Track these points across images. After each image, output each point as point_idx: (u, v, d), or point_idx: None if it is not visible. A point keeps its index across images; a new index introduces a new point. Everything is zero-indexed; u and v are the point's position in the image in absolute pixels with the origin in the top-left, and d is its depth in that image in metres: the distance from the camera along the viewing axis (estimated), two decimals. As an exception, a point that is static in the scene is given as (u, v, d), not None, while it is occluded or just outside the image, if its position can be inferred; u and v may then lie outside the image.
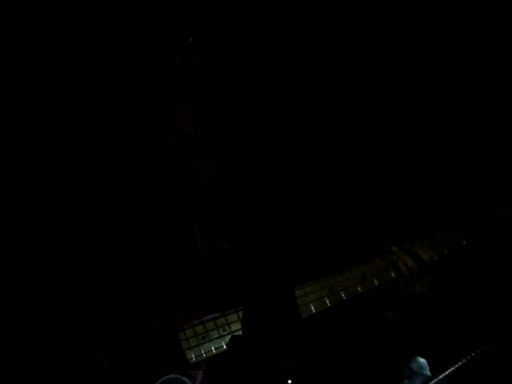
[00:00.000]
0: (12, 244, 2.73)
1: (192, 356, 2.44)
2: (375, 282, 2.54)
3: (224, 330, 2.45)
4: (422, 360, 2.57)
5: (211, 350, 2.44)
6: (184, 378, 2.42)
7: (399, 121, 3.35)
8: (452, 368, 2.28)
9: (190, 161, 2.67)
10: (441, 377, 2.27)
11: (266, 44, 3.26)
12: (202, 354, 2.44)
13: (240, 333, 2.43)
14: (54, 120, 3.06)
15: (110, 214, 2.58)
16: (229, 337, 2.44)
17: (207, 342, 2.45)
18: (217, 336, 2.45)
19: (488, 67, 3.35)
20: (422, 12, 3.38)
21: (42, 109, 3.08)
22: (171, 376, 2.42)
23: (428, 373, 2.53)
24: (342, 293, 2.51)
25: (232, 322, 2.46)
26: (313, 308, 2.49)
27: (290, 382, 2.46)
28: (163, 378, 2.41)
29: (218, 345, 2.44)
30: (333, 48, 3.37)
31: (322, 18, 3.36)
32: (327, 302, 2.50)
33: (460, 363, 2.27)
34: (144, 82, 2.68)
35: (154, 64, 2.64)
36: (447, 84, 3.37)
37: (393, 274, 2.55)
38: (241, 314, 2.46)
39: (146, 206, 2.59)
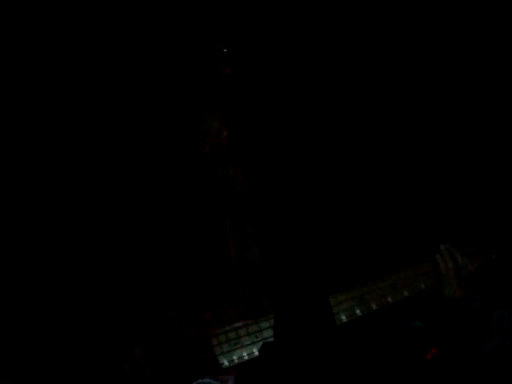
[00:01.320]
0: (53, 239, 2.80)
1: (224, 361, 2.49)
2: (405, 292, 2.57)
3: (256, 337, 2.50)
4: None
5: (243, 356, 2.49)
6: (216, 383, 2.46)
7: (443, 134, 3.37)
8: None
9: (222, 171, 2.72)
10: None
11: (298, 56, 3.30)
12: (233, 360, 2.49)
13: (272, 339, 2.47)
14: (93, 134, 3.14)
15: (153, 221, 2.64)
16: (261, 343, 2.48)
17: (239, 347, 2.49)
18: (249, 342, 2.50)
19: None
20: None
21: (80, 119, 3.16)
22: (204, 380, 2.46)
23: None
24: (372, 303, 2.55)
25: (264, 329, 2.50)
26: (344, 317, 2.53)
27: None
28: (196, 382, 2.46)
29: (250, 351, 2.49)
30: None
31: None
32: (357, 311, 2.54)
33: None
34: (180, 93, 2.73)
35: (189, 75, 2.68)
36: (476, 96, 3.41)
37: (422, 286, 2.58)
38: (273, 321, 2.50)
39: (182, 214, 2.65)
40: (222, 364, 2.48)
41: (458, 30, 3.38)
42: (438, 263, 2.57)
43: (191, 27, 2.72)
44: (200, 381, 2.47)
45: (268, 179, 2.73)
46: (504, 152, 3.36)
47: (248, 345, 2.49)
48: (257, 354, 2.48)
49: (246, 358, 2.48)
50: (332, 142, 3.18)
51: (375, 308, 2.55)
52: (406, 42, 3.40)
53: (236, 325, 2.51)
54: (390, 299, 2.56)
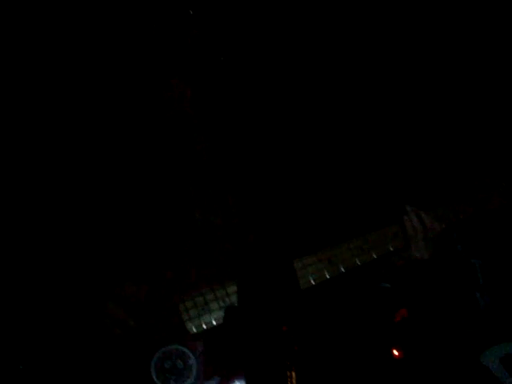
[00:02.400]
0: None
1: (192, 327, 2.45)
2: (373, 254, 2.57)
3: (224, 302, 2.47)
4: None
5: (211, 322, 2.46)
6: (184, 349, 2.44)
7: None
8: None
9: (186, 136, 2.67)
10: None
11: (264, 19, 3.24)
12: (201, 325, 2.46)
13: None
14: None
15: (120, 184, 2.58)
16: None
17: (207, 313, 2.46)
18: (217, 307, 2.47)
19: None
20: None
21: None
22: (171, 347, 2.44)
23: None
24: (340, 265, 2.54)
25: (231, 294, 2.47)
26: (312, 280, 2.51)
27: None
28: (163, 349, 2.43)
29: (218, 316, 2.46)
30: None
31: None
32: (326, 274, 2.52)
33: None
34: (144, 58, 2.66)
35: (154, 37, 2.62)
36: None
37: (391, 248, 2.58)
38: (239, 285, 2.47)
39: (146, 180, 2.59)
40: (190, 330, 2.45)
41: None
42: (406, 225, 2.57)
43: None
44: (168, 347, 2.44)
45: (233, 143, 2.69)
46: (471, 114, 3.36)
47: (216, 310, 2.46)
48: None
49: (214, 323, 2.46)
50: (300, 104, 3.14)
51: (343, 270, 2.53)
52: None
53: (203, 290, 2.48)
54: (358, 261, 2.55)
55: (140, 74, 2.69)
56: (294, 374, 2.41)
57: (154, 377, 2.42)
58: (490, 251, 3.12)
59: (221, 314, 2.46)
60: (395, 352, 3.11)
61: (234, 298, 2.46)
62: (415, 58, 3.41)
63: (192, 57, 2.62)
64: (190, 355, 2.44)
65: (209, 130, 2.68)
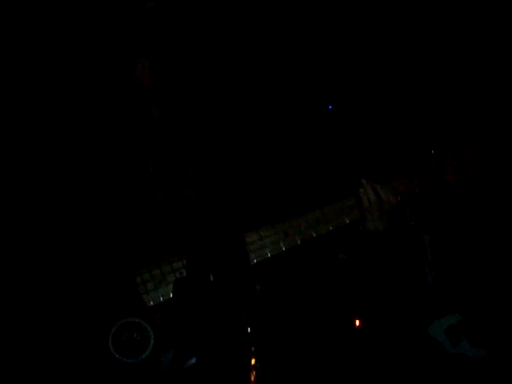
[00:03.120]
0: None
1: (149, 299, 2.46)
2: (329, 226, 2.59)
3: (181, 274, 2.48)
4: None
5: (168, 294, 2.46)
6: (142, 322, 2.45)
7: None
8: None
9: (145, 108, 2.66)
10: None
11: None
12: (159, 298, 2.47)
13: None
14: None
15: (77, 159, 2.57)
16: (185, 280, 2.47)
17: (164, 285, 2.47)
18: (174, 279, 2.47)
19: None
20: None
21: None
22: (129, 320, 2.44)
23: None
24: (296, 237, 2.56)
25: (189, 266, 2.48)
26: (268, 252, 2.53)
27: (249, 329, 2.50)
28: (121, 322, 2.44)
29: (175, 288, 2.47)
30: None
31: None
32: (282, 246, 2.54)
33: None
34: (103, 33, 2.65)
35: (111, 10, 2.60)
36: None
37: (347, 220, 2.61)
38: (197, 257, 2.48)
39: (103, 152, 2.59)
40: (148, 303, 2.46)
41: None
42: (361, 197, 2.59)
43: None
44: (125, 320, 2.44)
45: (189, 116, 2.69)
46: (424, 89, 3.40)
47: (173, 282, 2.46)
48: (182, 291, 2.47)
49: (171, 295, 2.46)
50: (248, 76, 3.15)
51: (299, 242, 2.56)
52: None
53: (160, 262, 2.48)
54: (314, 233, 2.58)
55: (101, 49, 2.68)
56: (253, 349, 2.44)
57: (112, 349, 2.42)
58: (440, 227, 3.17)
59: (178, 286, 2.47)
60: (357, 322, 3.16)
61: (190, 270, 2.48)
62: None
63: (149, 29, 2.60)
64: (148, 328, 2.45)
65: (166, 100, 2.67)
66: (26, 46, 2.92)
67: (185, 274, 2.47)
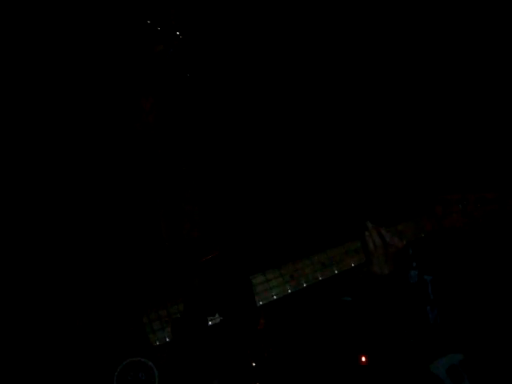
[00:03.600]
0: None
1: (155, 339, 2.48)
2: (335, 270, 2.61)
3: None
4: None
5: (174, 334, 2.49)
6: (147, 362, 2.46)
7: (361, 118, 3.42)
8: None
9: (153, 148, 2.70)
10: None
11: (230, 37, 3.28)
12: (165, 338, 2.49)
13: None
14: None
15: (83, 201, 2.61)
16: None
17: (170, 325, 2.49)
18: (172, 320, 2.49)
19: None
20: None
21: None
22: (134, 359, 2.46)
23: None
24: (302, 280, 2.58)
25: (195, 307, 2.51)
26: (274, 294, 2.55)
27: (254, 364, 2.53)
28: (126, 362, 2.46)
29: (181, 329, 2.49)
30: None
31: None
32: (288, 288, 2.57)
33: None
34: (113, 72, 2.69)
35: (122, 52, 2.65)
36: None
37: (352, 264, 2.63)
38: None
39: (112, 193, 2.62)
40: (153, 342, 2.48)
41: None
42: (366, 241, 2.62)
43: (126, 7, 2.69)
44: (131, 360, 2.46)
45: (195, 156, 2.73)
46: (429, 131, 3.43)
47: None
48: (188, 332, 2.49)
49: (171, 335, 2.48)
50: (264, 125, 3.19)
51: (305, 285, 2.58)
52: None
53: (166, 303, 2.51)
54: (319, 276, 2.60)
55: (110, 90, 2.73)
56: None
57: (117, 388, 2.44)
58: (442, 267, 3.20)
59: (184, 326, 2.49)
60: (362, 359, 3.18)
61: (197, 312, 2.50)
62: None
63: (158, 71, 2.65)
64: (153, 367, 2.46)
65: (173, 140, 2.71)
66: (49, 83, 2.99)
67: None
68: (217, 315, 2.44)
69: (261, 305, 2.54)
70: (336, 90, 3.40)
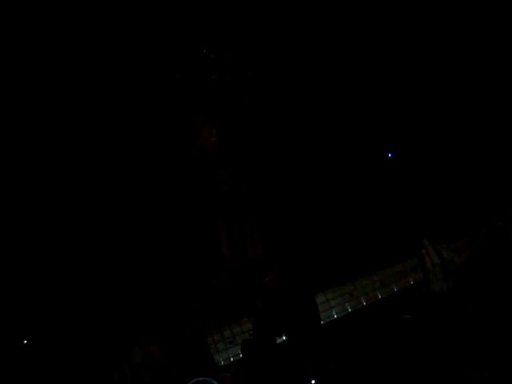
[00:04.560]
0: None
1: (220, 359, 2.55)
2: (394, 287, 2.64)
3: (250, 335, 2.55)
4: None
5: (238, 354, 2.55)
6: (212, 381, 2.53)
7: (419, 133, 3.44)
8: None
9: (213, 173, 2.78)
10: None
11: (283, 60, 3.35)
12: (229, 358, 2.55)
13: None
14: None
15: (147, 223, 2.70)
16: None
17: (234, 346, 2.56)
18: (242, 340, 2.55)
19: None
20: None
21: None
22: (200, 379, 2.53)
23: None
24: (362, 298, 2.62)
25: (257, 327, 2.56)
26: (334, 313, 2.59)
27: (313, 382, 2.56)
28: (193, 381, 2.53)
29: (245, 349, 2.55)
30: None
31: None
32: (348, 307, 2.61)
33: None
34: (169, 99, 2.79)
35: (177, 81, 2.75)
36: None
37: (411, 281, 2.65)
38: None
39: (175, 216, 2.71)
40: (218, 362, 2.54)
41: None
42: (424, 259, 2.63)
43: (179, 34, 2.77)
44: (197, 379, 2.53)
45: (256, 179, 2.79)
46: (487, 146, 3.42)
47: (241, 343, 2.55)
48: (252, 351, 2.55)
49: (241, 356, 2.54)
50: (318, 145, 3.24)
51: (365, 303, 2.61)
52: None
53: (230, 323, 2.57)
54: (379, 294, 2.63)
55: (167, 118, 2.83)
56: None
57: (184, 407, 2.51)
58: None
59: (248, 346, 2.55)
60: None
61: (260, 332, 2.55)
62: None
63: (214, 99, 2.72)
64: (218, 386, 2.53)
65: (233, 165, 2.78)
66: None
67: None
68: (283, 335, 2.49)
69: (322, 324, 2.58)
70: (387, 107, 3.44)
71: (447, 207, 3.35)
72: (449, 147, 3.43)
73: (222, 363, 2.55)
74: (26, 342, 2.72)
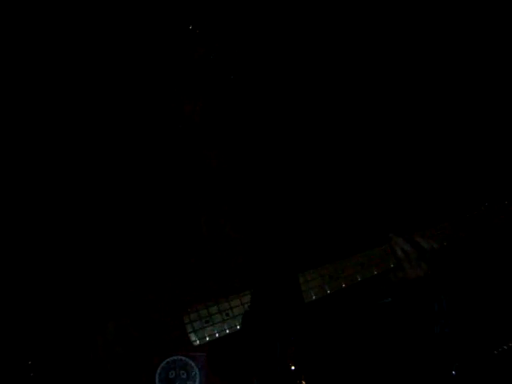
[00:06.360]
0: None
1: (195, 339, 2.52)
2: (374, 271, 2.62)
3: (227, 315, 2.53)
4: None
5: (214, 334, 2.52)
6: (188, 360, 2.50)
7: (402, 118, 3.42)
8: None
9: (197, 148, 2.74)
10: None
11: (270, 36, 3.31)
12: (205, 337, 2.52)
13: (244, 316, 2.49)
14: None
15: (123, 198, 2.66)
16: (231, 321, 2.52)
17: (210, 325, 2.53)
18: (220, 320, 2.53)
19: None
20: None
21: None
22: (175, 357, 2.50)
23: None
24: (341, 281, 2.59)
25: (235, 307, 2.54)
26: (313, 295, 2.57)
27: (293, 368, 2.54)
28: (167, 360, 2.50)
29: (221, 329, 2.52)
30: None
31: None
32: (327, 289, 2.58)
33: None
34: (156, 75, 2.74)
35: (164, 56, 2.70)
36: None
37: (391, 264, 2.62)
38: (243, 299, 2.53)
39: (154, 192, 2.67)
40: (194, 341, 2.52)
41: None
42: (394, 248, 2.60)
43: (167, 11, 2.73)
44: (172, 358, 2.50)
45: (240, 157, 2.75)
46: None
47: (219, 322, 2.53)
48: (227, 331, 2.51)
49: (217, 335, 2.52)
50: (301, 125, 3.20)
51: (344, 285, 2.59)
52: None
53: (207, 303, 2.54)
54: (358, 277, 2.60)
55: (154, 91, 2.78)
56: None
57: (158, 386, 2.49)
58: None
59: (224, 326, 2.52)
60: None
61: (237, 312, 2.53)
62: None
63: (200, 74, 2.68)
64: (194, 366, 2.50)
65: (217, 140, 2.74)
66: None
67: (231, 315, 2.52)
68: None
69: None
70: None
71: (429, 193, 3.33)
72: (432, 134, 3.41)
73: (198, 342, 2.52)
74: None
